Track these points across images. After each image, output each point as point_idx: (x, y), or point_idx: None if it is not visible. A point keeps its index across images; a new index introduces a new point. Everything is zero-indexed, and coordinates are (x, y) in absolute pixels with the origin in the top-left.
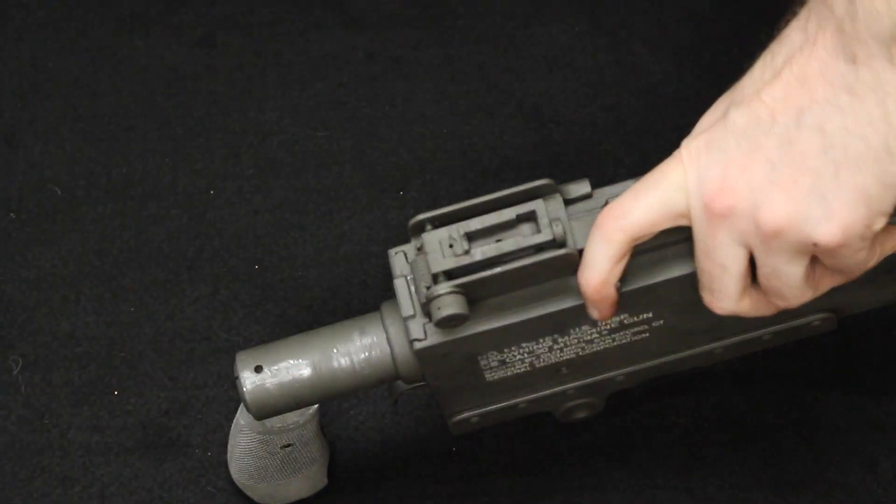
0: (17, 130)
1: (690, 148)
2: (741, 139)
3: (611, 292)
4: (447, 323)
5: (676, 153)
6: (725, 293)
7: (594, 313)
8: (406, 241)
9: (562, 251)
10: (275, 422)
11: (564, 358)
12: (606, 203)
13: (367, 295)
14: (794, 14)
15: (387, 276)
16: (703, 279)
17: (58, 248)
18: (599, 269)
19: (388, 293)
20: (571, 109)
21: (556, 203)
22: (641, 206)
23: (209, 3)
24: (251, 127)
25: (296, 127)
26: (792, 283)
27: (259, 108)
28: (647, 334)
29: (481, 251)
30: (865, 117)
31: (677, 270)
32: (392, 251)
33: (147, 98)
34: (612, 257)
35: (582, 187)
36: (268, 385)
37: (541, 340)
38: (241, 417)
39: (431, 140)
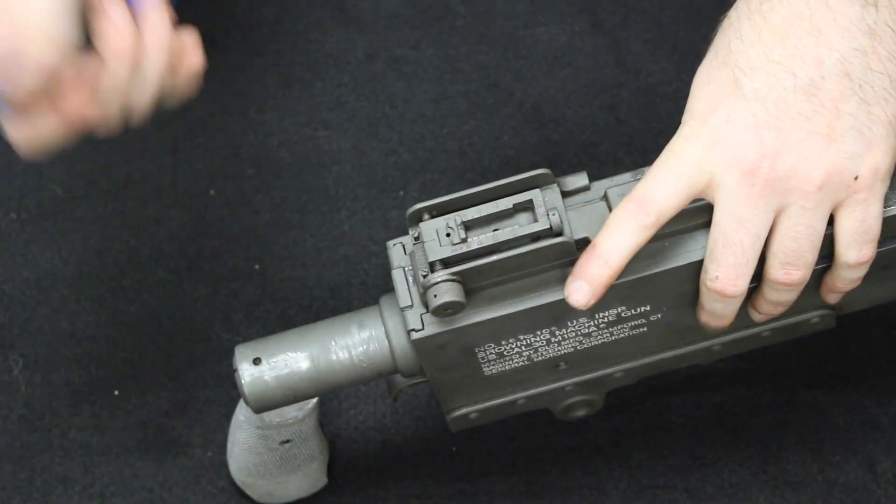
0: None
1: (708, 125)
2: (766, 102)
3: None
4: (443, 311)
5: (687, 133)
6: (749, 268)
7: (588, 297)
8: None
9: (558, 239)
10: (273, 416)
11: (562, 352)
12: (605, 195)
13: (367, 295)
14: None
15: (386, 275)
16: (730, 255)
17: (58, 248)
18: (623, 256)
19: (388, 291)
20: (571, 109)
21: (553, 193)
22: (669, 188)
23: (209, 3)
24: (251, 127)
25: (296, 127)
26: (816, 243)
27: (259, 108)
28: (645, 328)
29: (478, 240)
30: (885, 53)
31: (675, 262)
32: (390, 243)
33: None
34: (640, 243)
35: (580, 179)
36: (266, 377)
37: (538, 333)
38: (241, 413)
39: (431, 140)
